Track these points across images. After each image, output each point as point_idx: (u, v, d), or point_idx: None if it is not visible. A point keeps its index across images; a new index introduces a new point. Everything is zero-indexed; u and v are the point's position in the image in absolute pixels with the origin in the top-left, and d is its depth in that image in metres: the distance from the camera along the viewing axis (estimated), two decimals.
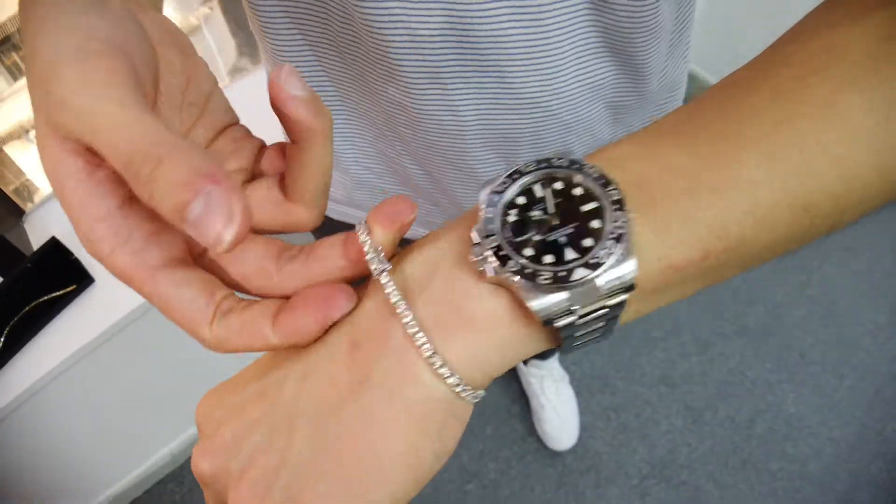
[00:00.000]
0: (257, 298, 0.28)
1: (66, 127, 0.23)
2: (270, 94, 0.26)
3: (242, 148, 0.31)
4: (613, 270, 0.23)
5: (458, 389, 0.25)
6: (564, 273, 0.23)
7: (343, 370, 0.25)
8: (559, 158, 0.26)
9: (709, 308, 1.90)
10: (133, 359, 1.41)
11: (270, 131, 0.40)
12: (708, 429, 1.73)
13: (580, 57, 0.51)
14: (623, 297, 0.24)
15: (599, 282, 0.23)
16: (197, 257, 0.29)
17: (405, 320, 0.24)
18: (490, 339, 0.25)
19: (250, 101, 0.77)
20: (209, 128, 0.31)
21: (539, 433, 1.76)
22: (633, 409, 1.80)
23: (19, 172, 1.27)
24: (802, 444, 1.66)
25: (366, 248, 0.26)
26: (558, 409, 1.72)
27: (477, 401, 0.26)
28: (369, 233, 0.27)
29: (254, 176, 0.32)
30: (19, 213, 1.32)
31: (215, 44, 1.47)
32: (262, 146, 0.32)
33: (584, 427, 1.78)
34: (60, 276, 1.21)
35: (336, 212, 0.77)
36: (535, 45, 0.48)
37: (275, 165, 0.31)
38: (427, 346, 0.24)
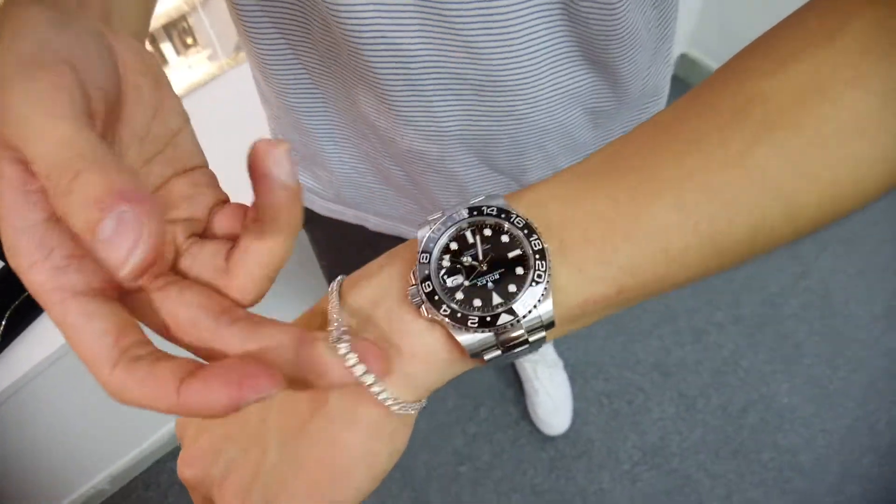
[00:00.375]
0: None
1: (5, 135, 0.22)
2: (254, 159, 0.24)
3: (200, 195, 0.29)
4: (533, 312, 0.27)
5: (401, 410, 0.28)
6: (490, 318, 0.27)
7: (302, 400, 0.29)
8: (489, 207, 0.28)
9: (704, 297, 1.88)
10: None
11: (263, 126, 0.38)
12: (700, 417, 1.72)
13: (556, 66, 0.51)
14: (542, 333, 0.27)
15: (522, 323, 0.27)
16: (127, 293, 0.26)
17: (349, 363, 0.26)
18: (428, 368, 0.28)
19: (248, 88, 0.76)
20: (168, 165, 0.29)
21: (532, 417, 1.76)
22: (626, 395, 1.79)
23: None
24: (794, 434, 1.65)
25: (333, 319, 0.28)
26: (552, 394, 1.72)
27: (421, 408, 0.29)
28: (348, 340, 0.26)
29: (206, 230, 0.29)
30: None
31: (217, 26, 1.44)
32: (223, 200, 0.30)
33: (578, 412, 1.78)
34: None
35: (324, 208, 0.77)
36: (509, 56, 0.49)
37: (228, 227, 0.29)
38: (377, 388, 0.27)
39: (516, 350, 0.28)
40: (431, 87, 0.51)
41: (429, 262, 0.28)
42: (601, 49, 0.50)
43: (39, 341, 1.16)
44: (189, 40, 1.40)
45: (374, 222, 0.76)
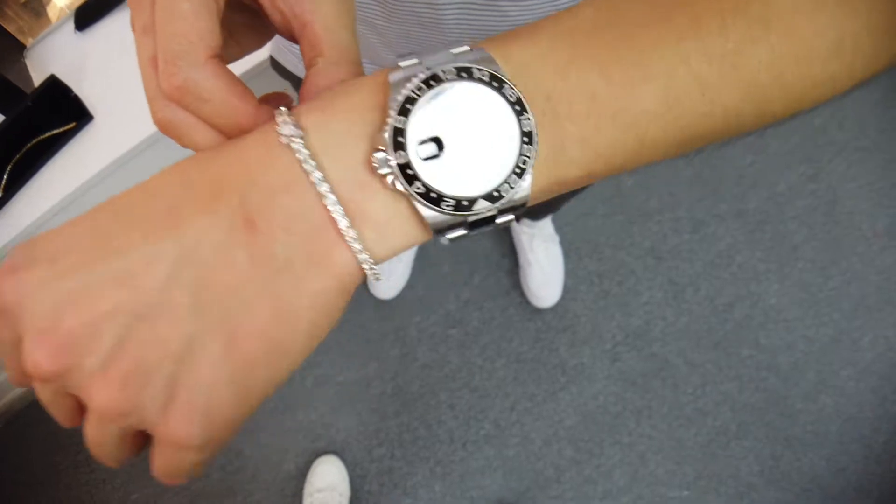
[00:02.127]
0: None
1: None
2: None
3: None
4: (510, 195, 0.24)
5: (366, 266, 0.24)
6: (467, 203, 0.24)
7: (240, 251, 0.23)
8: (480, 70, 0.24)
9: (710, 186, 1.81)
10: None
11: None
12: (686, 306, 1.71)
13: None
14: (511, 215, 0.25)
15: (499, 207, 0.24)
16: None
17: (328, 202, 0.23)
18: (385, 237, 0.24)
19: None
20: None
21: (523, 289, 1.74)
22: (617, 276, 1.76)
23: None
24: (776, 336, 1.65)
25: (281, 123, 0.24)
26: (544, 268, 1.69)
27: (375, 279, 0.25)
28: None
29: None
30: (20, 48, 1.24)
31: None
32: None
33: (568, 288, 1.76)
34: (60, 113, 1.13)
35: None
36: None
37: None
38: (349, 227, 0.23)
39: (480, 229, 0.25)
40: None
41: (404, 127, 0.23)
42: None
43: (41, 194, 1.13)
44: None
45: None
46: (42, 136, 1.13)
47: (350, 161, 0.24)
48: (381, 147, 0.23)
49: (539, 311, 1.74)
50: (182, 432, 0.22)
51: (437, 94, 0.24)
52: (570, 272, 1.76)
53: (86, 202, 1.16)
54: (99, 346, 0.22)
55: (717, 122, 0.26)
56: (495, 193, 0.24)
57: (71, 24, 1.24)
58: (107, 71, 1.20)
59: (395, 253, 0.25)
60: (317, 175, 0.23)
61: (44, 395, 0.24)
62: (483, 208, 0.24)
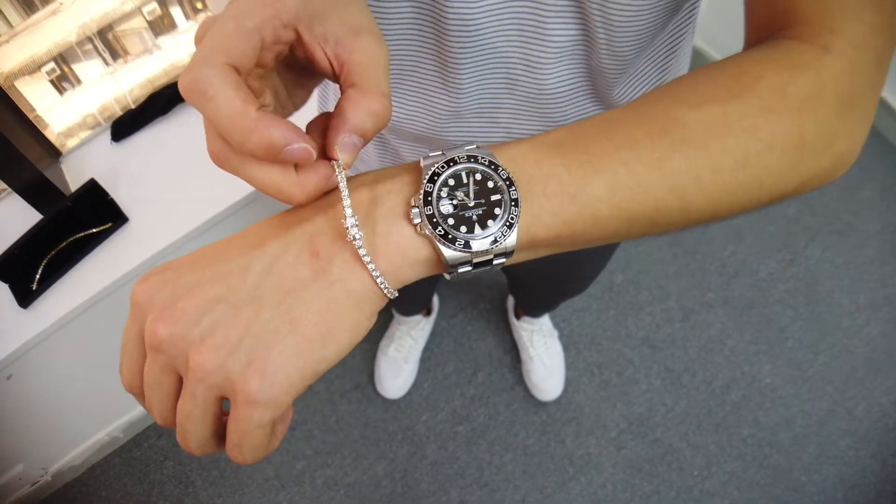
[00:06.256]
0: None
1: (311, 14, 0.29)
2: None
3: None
4: (502, 242, 0.31)
5: (386, 292, 0.31)
6: (472, 243, 0.31)
7: (306, 268, 0.30)
8: (483, 157, 0.32)
9: (696, 278, 1.81)
10: None
11: None
12: (685, 391, 1.66)
13: (579, 101, 0.57)
14: (503, 259, 0.32)
15: (493, 249, 0.32)
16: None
17: (360, 250, 0.29)
18: (413, 267, 0.31)
19: None
20: None
21: (527, 383, 1.71)
22: (616, 367, 1.73)
23: (30, 108, 1.14)
24: (774, 413, 1.59)
25: (347, 209, 0.30)
26: (546, 362, 1.67)
27: (394, 297, 0.32)
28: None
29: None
30: (57, 154, 1.27)
31: None
32: None
33: (569, 381, 1.72)
34: (97, 214, 1.17)
35: None
36: (542, 89, 0.54)
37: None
38: (372, 266, 0.30)
39: (482, 268, 0.33)
40: (474, 115, 0.57)
41: (432, 191, 0.31)
42: (616, 93, 0.56)
43: (73, 289, 1.13)
44: (199, 4, 1.30)
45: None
46: (78, 235, 1.14)
47: (393, 218, 0.31)
48: (415, 204, 0.31)
49: (543, 405, 1.70)
50: (255, 386, 0.28)
51: (454, 170, 0.32)
52: (570, 365, 1.74)
53: (119, 297, 1.16)
54: (202, 321, 0.28)
55: (650, 209, 0.33)
56: (493, 239, 0.31)
57: (106, 135, 1.29)
58: (141, 178, 1.23)
59: (411, 278, 0.32)
60: (357, 233, 0.29)
61: (152, 373, 0.30)
62: (484, 248, 0.31)
